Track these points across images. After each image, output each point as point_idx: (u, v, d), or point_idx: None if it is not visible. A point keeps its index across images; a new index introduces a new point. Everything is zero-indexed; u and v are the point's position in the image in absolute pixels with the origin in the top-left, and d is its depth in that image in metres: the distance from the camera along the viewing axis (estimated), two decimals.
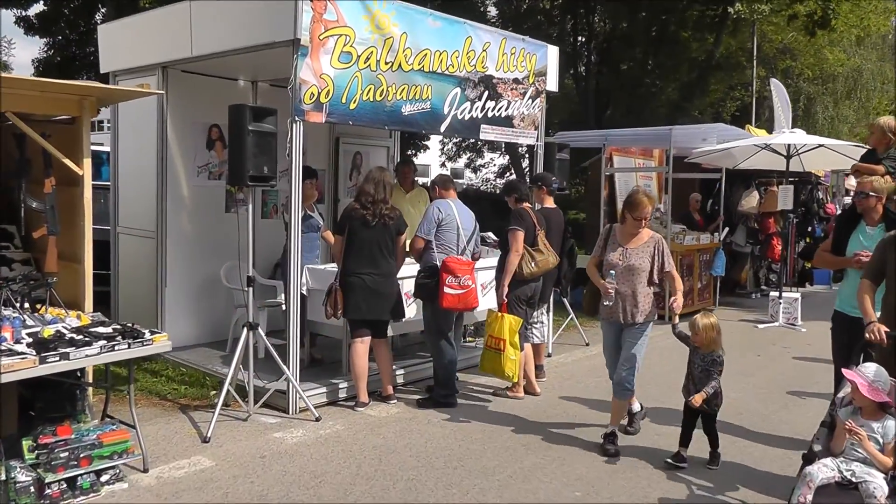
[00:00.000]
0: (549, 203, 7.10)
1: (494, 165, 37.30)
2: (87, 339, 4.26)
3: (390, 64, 6.25)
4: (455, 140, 37.03)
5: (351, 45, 5.91)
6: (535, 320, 6.87)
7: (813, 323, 10.72)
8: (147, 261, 7.45)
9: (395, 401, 6.32)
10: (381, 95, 6.21)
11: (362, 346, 6.02)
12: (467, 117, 7.17)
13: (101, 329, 4.49)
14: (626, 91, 17.25)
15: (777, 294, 11.11)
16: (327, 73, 5.79)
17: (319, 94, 5.76)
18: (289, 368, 5.84)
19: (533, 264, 6.39)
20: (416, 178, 8.65)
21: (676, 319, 5.28)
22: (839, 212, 16.44)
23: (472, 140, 35.75)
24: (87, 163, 5.06)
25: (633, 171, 12.99)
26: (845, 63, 28.42)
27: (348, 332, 6.41)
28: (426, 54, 6.55)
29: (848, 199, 18.52)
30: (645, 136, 11.60)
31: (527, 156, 27.75)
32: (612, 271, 5.30)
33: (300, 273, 5.96)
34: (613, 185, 12.20)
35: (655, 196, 13.12)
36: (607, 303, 5.32)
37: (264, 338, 5.83)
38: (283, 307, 7.24)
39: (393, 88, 6.31)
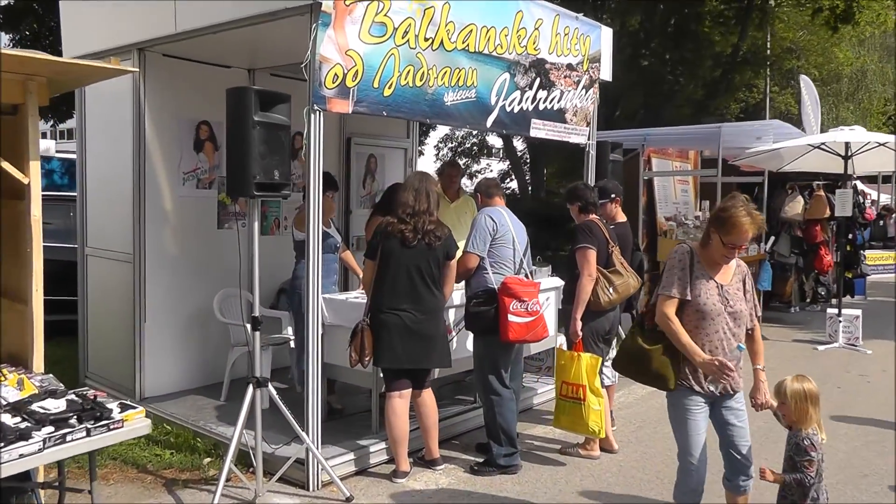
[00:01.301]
0: (621, 217, 5.78)
1: (492, 171, 35.86)
2: (27, 424, 2.88)
3: (430, 41, 4.92)
4: (451, 145, 35.71)
5: (385, 14, 4.56)
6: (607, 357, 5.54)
7: (875, 343, 9.65)
8: (122, 289, 6.05)
9: (443, 466, 4.97)
10: (421, 80, 4.88)
11: (400, 402, 4.66)
12: (517, 109, 5.86)
13: (49, 404, 3.11)
14: (644, 89, 16.00)
15: (836, 311, 9.86)
16: (355, 48, 4.44)
17: (345, 75, 4.41)
18: (307, 432, 4.48)
19: (611, 290, 5.08)
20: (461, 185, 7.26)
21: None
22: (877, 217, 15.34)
23: (471, 143, 34.64)
24: (35, 168, 3.68)
25: (675, 174, 11.64)
26: (854, 63, 27.54)
27: (378, 380, 5.08)
28: (471, 30, 5.22)
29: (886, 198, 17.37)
30: (691, 136, 10.33)
31: (527, 160, 26.47)
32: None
33: (318, 306, 4.58)
34: (652, 192, 10.87)
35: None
36: (712, 388, 3.59)
37: (276, 396, 4.45)
38: (291, 343, 5.91)
39: (434, 71, 4.98)
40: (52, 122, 18.20)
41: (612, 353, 5.48)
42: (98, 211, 6.43)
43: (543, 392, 6.61)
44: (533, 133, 6.15)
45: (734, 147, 10.03)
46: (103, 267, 6.32)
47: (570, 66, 6.32)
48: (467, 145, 35.88)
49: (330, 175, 5.83)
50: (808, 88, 15.16)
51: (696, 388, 3.56)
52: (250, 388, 4.26)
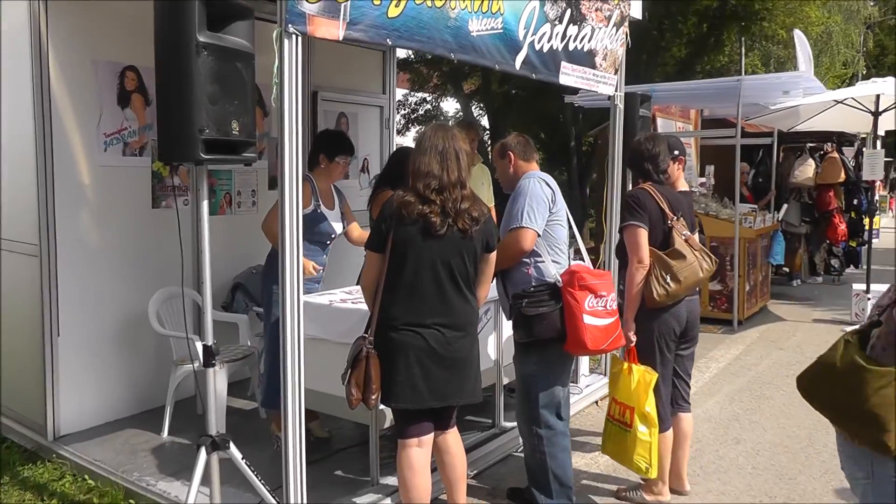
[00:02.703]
0: (683, 185, 4.43)
1: None
2: None
3: None
4: (403, 111, 33.79)
5: None
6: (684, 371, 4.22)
7: None
8: (27, 292, 4.54)
9: None
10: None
11: (420, 453, 3.27)
12: (546, 48, 4.51)
13: None
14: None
15: (864, 288, 8.79)
16: None
17: None
18: (290, 494, 3.10)
19: (668, 279, 3.77)
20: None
21: None
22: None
23: (424, 110, 32.88)
24: None
25: (684, 136, 10.32)
26: (825, 22, 26.76)
27: (380, 414, 3.73)
28: None
29: None
30: (704, 91, 9.03)
31: (488, 129, 25.00)
32: None
33: (299, 315, 3.15)
34: None
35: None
36: None
37: (240, 460, 3.04)
38: (259, 362, 4.53)
39: None
40: None
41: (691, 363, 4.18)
42: None
43: (575, 401, 5.25)
44: (562, 79, 4.80)
45: (752, 104, 8.81)
46: (2, 262, 4.80)
47: None
48: (421, 112, 33.96)
49: (341, 135, 4.51)
50: (801, 44, 14.01)
51: None
52: (202, 454, 2.85)
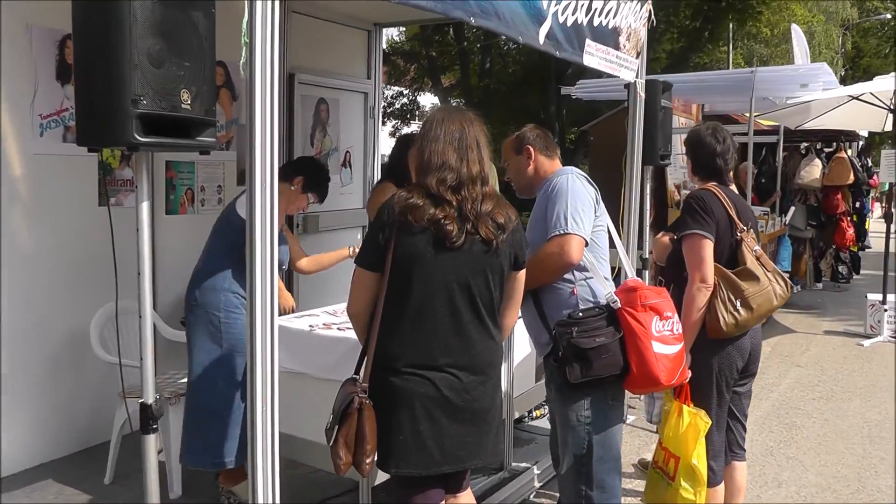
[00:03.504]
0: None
1: None
2: None
3: None
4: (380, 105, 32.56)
5: None
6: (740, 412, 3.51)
7: None
8: None
9: None
10: None
11: None
12: (570, 21, 3.80)
13: None
14: None
15: (880, 299, 8.21)
16: None
17: None
18: None
19: (738, 305, 3.09)
20: None
21: None
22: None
23: (401, 104, 31.93)
24: None
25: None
26: (809, 21, 26.48)
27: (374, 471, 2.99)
28: None
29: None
30: (715, 83, 8.37)
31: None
32: None
33: (273, 341, 2.39)
34: None
35: None
36: None
37: None
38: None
39: None
40: None
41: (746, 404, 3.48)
42: None
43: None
44: (586, 60, 4.09)
45: (763, 99, 8.18)
46: None
47: None
48: (397, 106, 32.83)
49: (328, 176, 3.81)
50: (798, 39, 13.55)
51: None
52: None
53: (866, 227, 12.06)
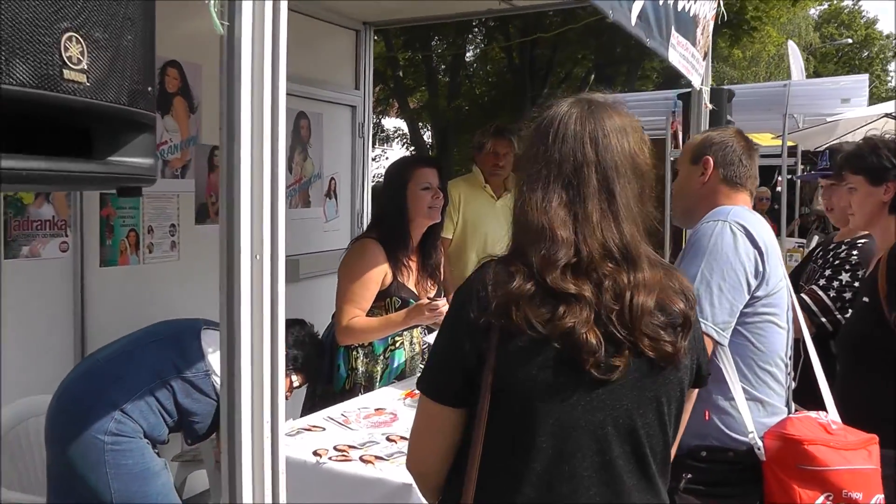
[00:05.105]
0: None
1: (388, 159, 31.97)
2: None
3: None
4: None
5: None
6: None
7: None
8: None
9: None
10: None
11: None
12: (661, 2, 2.80)
13: None
14: (596, 55, 13.25)
15: None
16: None
17: None
18: None
19: None
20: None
21: None
22: None
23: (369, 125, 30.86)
24: None
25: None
26: (782, 44, 26.28)
27: None
28: None
29: None
30: (747, 98, 7.46)
31: (433, 147, 22.99)
32: None
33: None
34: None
35: None
36: None
37: None
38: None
39: None
40: None
41: None
42: None
43: None
44: (670, 55, 3.10)
45: (807, 112, 7.32)
46: None
47: None
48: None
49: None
50: (794, 57, 12.91)
51: None
52: None
53: None
